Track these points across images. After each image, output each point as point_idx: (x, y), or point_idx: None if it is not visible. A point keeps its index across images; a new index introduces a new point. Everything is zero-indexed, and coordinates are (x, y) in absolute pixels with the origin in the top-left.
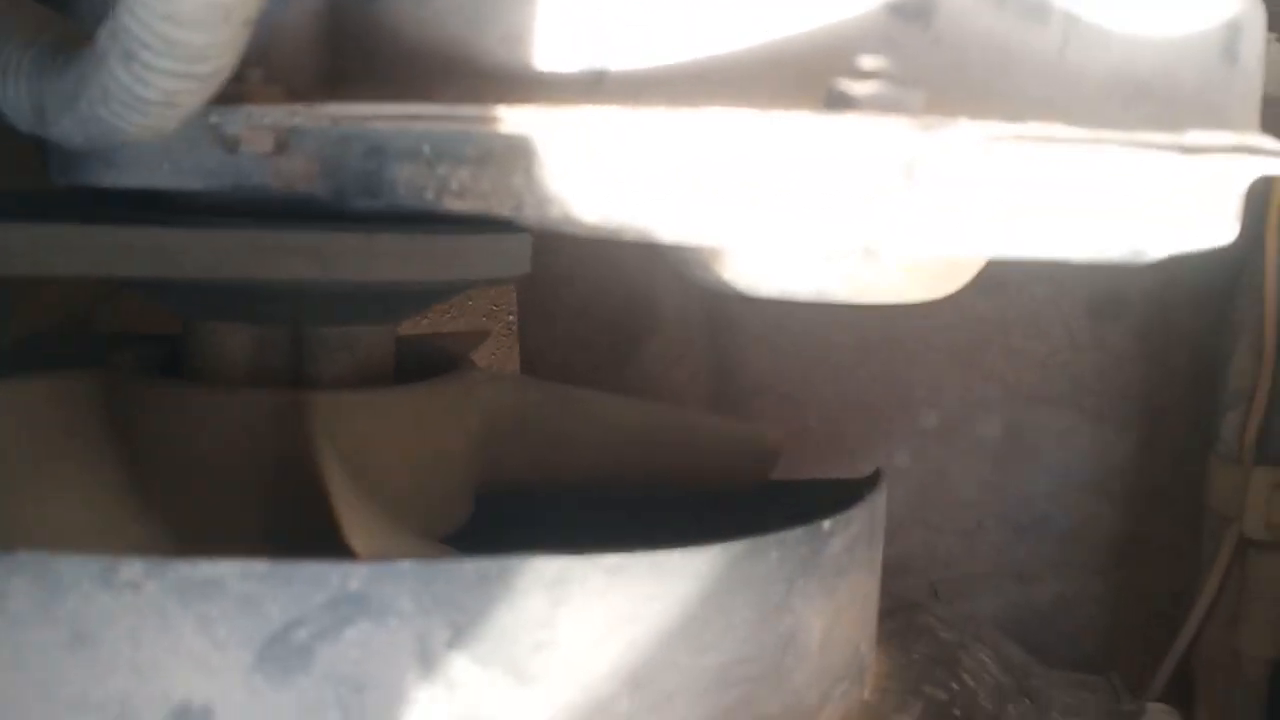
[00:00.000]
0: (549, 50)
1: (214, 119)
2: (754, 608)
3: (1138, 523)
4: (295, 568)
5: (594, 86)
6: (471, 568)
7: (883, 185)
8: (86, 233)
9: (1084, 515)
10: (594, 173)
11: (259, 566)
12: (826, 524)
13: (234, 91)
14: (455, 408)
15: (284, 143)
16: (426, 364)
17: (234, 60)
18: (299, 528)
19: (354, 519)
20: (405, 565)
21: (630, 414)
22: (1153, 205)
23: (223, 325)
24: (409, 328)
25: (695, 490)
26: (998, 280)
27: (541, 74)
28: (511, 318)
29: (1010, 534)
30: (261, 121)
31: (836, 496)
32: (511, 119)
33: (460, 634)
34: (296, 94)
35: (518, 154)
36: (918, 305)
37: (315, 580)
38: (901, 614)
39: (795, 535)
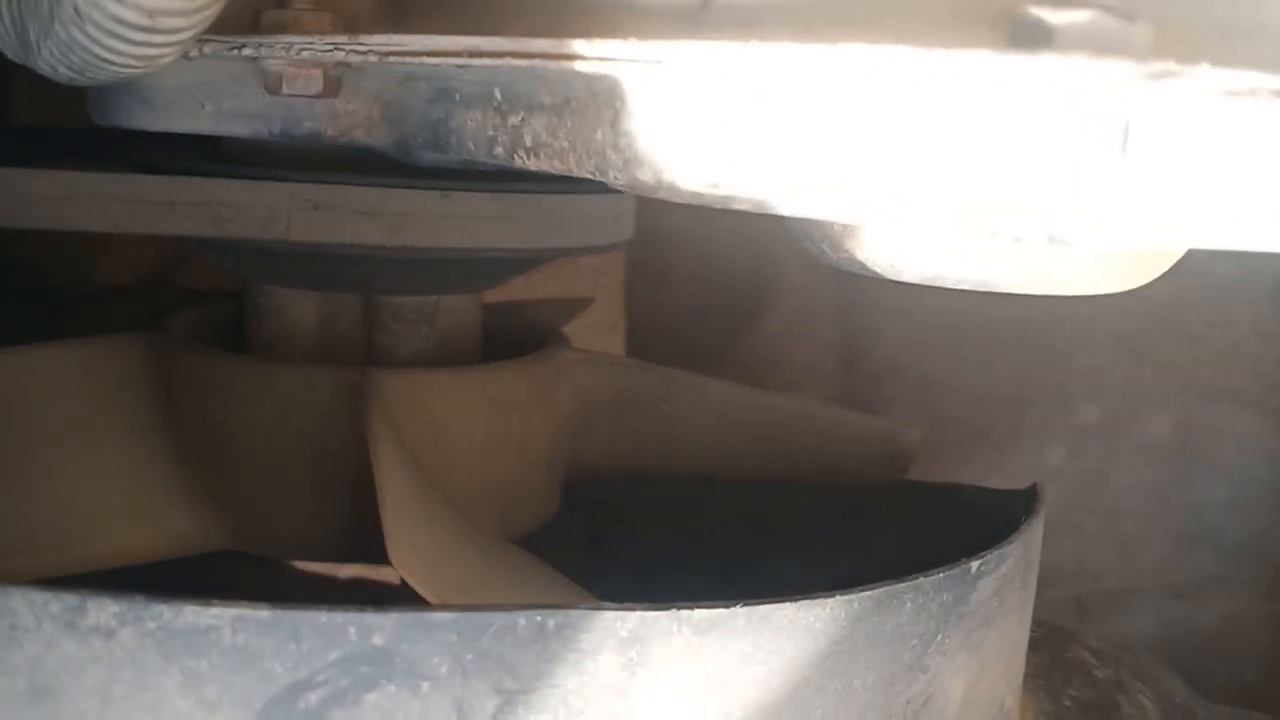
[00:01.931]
0: None
1: (250, 51)
2: (881, 669)
3: None
4: (304, 616)
5: (698, 14)
6: (525, 621)
7: (1088, 154)
8: (120, 183)
9: (1260, 529)
10: (696, 126)
11: (260, 613)
12: (974, 565)
13: (277, 20)
14: (542, 390)
15: (335, 82)
16: (516, 338)
17: None
18: (363, 528)
19: (400, 524)
20: (442, 616)
21: (745, 402)
22: None
23: (287, 290)
24: (498, 292)
25: (818, 489)
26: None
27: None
28: (623, 277)
29: (1174, 546)
30: (306, 55)
31: (984, 511)
32: (594, 56)
33: (510, 703)
34: (352, 24)
35: (601, 101)
36: None
37: (329, 632)
38: (1049, 645)
39: (935, 581)
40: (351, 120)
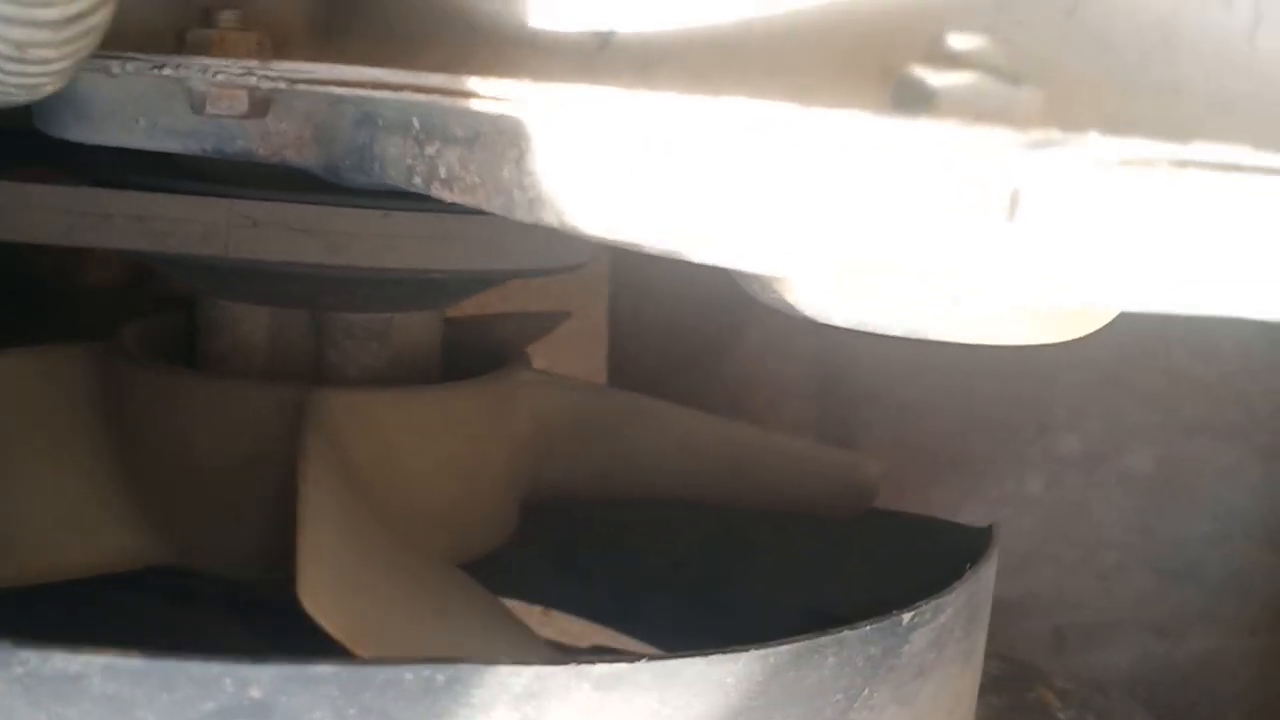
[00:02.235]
0: (548, 3)
1: (170, 71)
2: None
3: None
4: (178, 665)
5: (596, 55)
6: (412, 675)
7: (966, 219)
8: (55, 194)
9: (1243, 565)
10: (591, 172)
11: (132, 662)
12: (906, 617)
13: (201, 40)
14: (497, 411)
15: (263, 103)
16: (479, 356)
17: (98, 7)
18: None
19: (316, 557)
20: (323, 669)
21: (709, 430)
22: None
23: (239, 305)
24: (477, 304)
25: (778, 519)
26: None
27: (538, 32)
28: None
29: (1155, 580)
30: (227, 78)
31: (948, 545)
32: (498, 94)
33: None
34: (282, 43)
35: (507, 139)
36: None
37: (203, 682)
38: (1012, 686)
39: (862, 634)
40: (283, 140)
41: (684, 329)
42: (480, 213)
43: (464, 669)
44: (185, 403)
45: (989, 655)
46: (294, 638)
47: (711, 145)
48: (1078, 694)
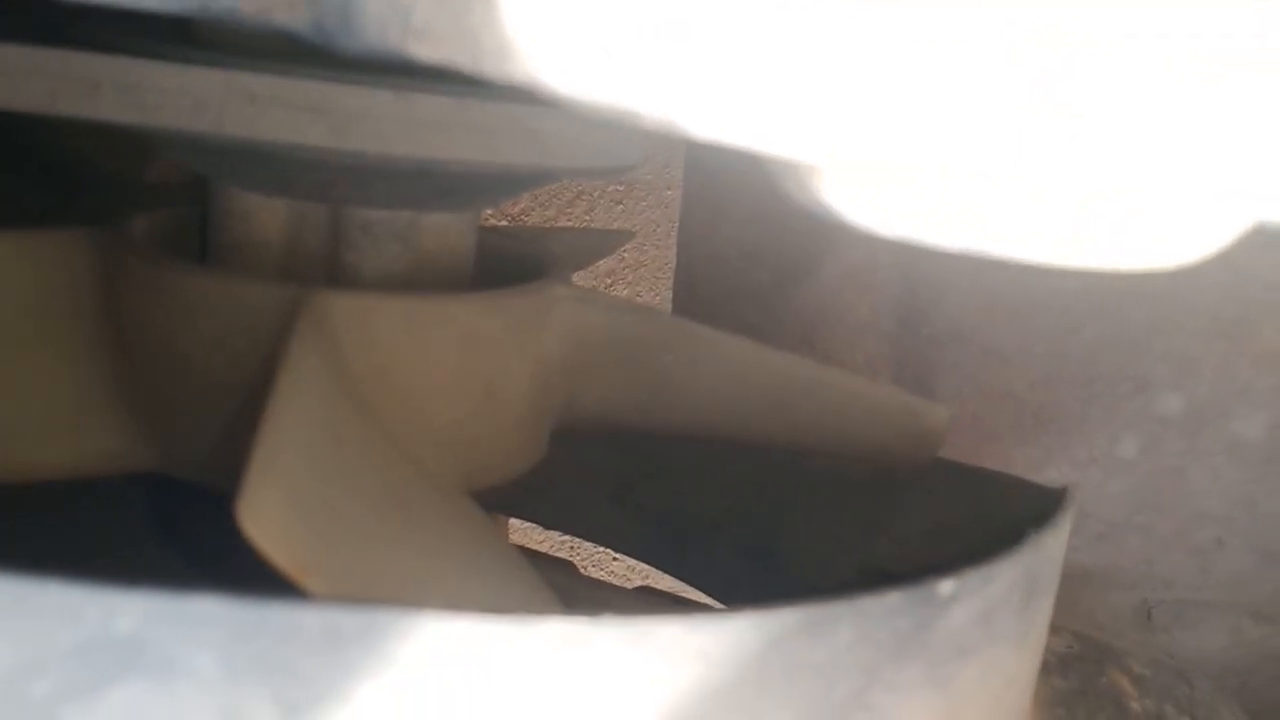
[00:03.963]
0: None
1: None
2: (801, 709)
3: None
4: (36, 589)
5: None
6: (316, 620)
7: (1028, 117)
8: (41, 57)
9: None
10: (570, 15)
11: None
12: (946, 585)
13: None
14: (521, 328)
15: None
16: (524, 269)
17: None
18: None
19: (266, 466)
20: (208, 605)
21: (759, 361)
22: None
23: (254, 195)
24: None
25: (836, 462)
26: None
27: None
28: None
29: (1257, 559)
30: None
31: (1018, 505)
32: None
33: (293, 714)
34: None
35: None
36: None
37: (64, 611)
38: (1083, 667)
39: (885, 605)
40: None
41: (757, 257)
42: (515, 100)
43: (379, 616)
44: (180, 297)
45: (1059, 630)
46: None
47: None
48: (1157, 680)
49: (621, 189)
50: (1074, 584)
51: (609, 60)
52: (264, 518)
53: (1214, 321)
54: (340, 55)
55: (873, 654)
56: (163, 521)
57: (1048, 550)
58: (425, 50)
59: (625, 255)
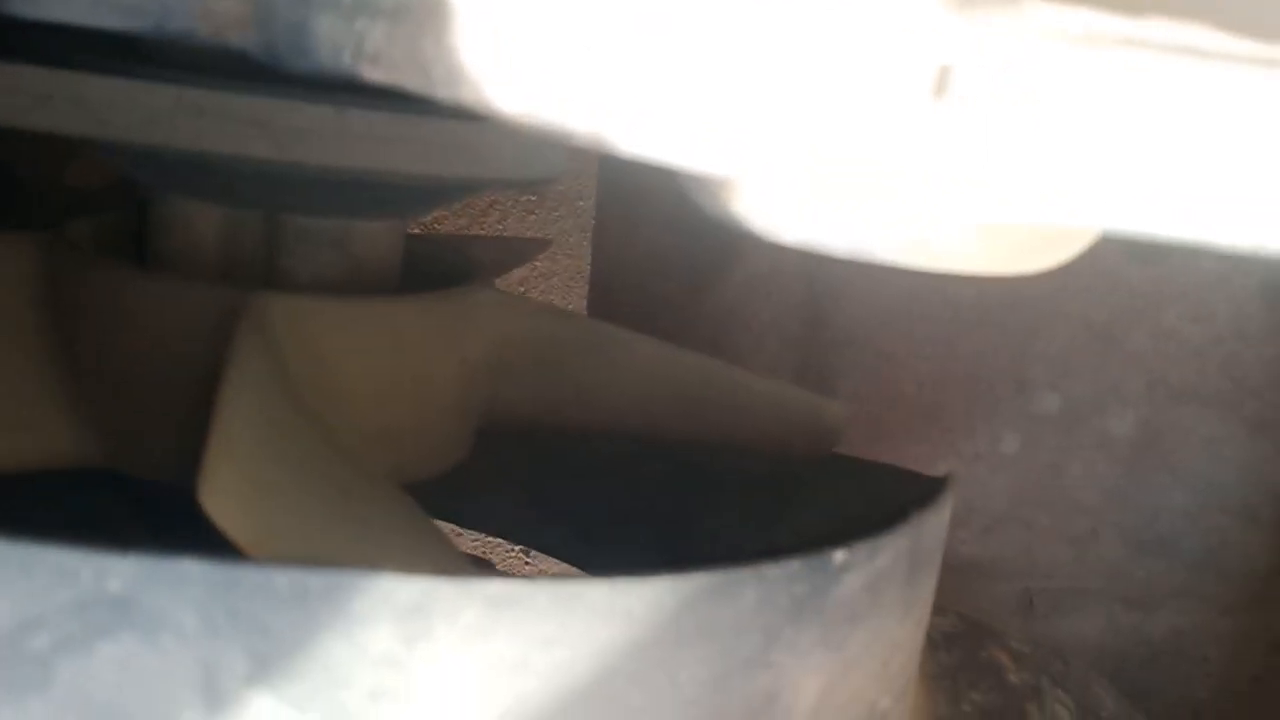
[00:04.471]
0: None
1: None
2: (713, 663)
3: None
4: (36, 552)
5: None
6: (285, 579)
7: (897, 101)
8: None
9: (1222, 540)
10: (513, 41)
11: None
12: (838, 555)
13: None
14: (448, 330)
15: None
16: (447, 275)
17: None
18: None
19: (223, 451)
20: (189, 566)
21: (671, 361)
22: None
23: (190, 202)
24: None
25: (741, 459)
26: (1156, 247)
27: None
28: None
29: (1129, 550)
30: None
31: (907, 494)
32: None
33: (265, 667)
34: None
35: (428, 9)
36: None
37: (61, 571)
38: (964, 643)
39: (786, 571)
40: (225, 19)
41: (669, 265)
42: (445, 116)
43: (343, 577)
44: (124, 300)
45: (944, 612)
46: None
47: (622, 15)
48: (1033, 657)
49: (534, 199)
50: (960, 575)
51: (547, 85)
52: (222, 498)
53: (1087, 326)
54: (288, 74)
55: (774, 616)
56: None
57: (929, 528)
58: (377, 74)
59: (538, 264)
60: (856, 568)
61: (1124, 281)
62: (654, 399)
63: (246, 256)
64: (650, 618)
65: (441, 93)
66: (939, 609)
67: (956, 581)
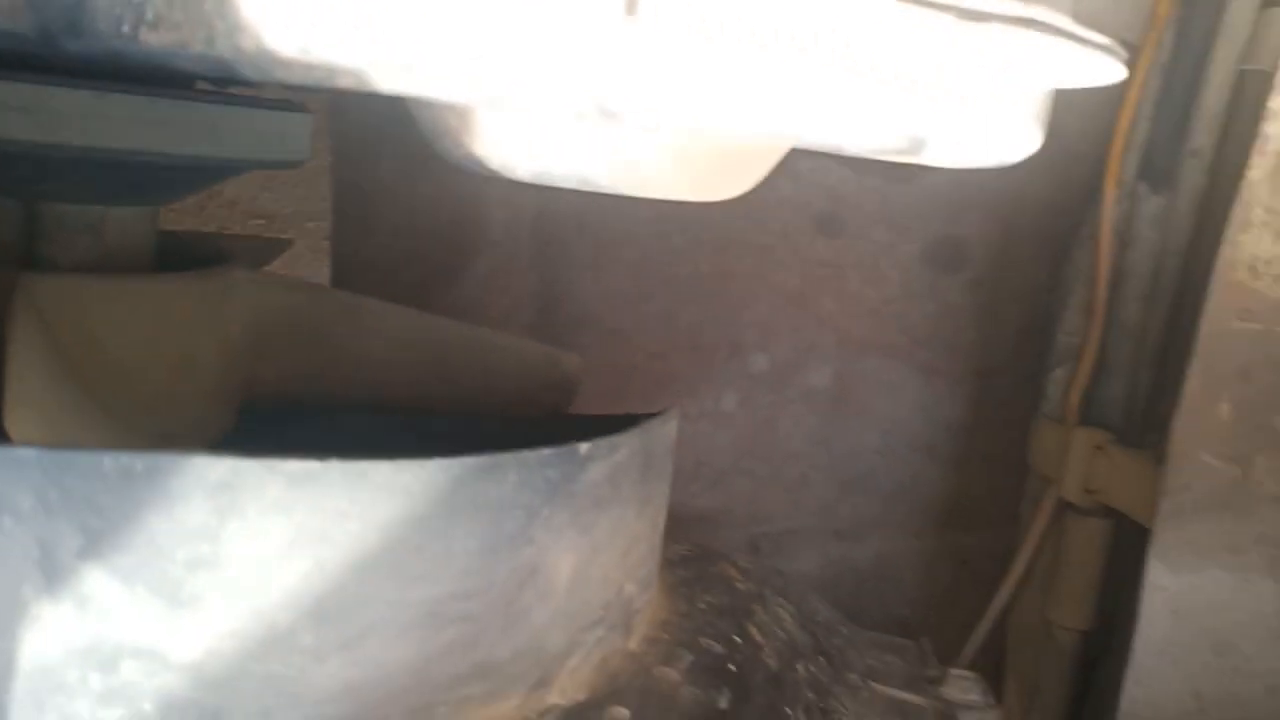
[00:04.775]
0: None
1: None
2: (482, 536)
3: (962, 483)
4: None
5: None
6: (111, 462)
7: (595, 20)
8: None
9: (909, 474)
10: None
11: None
12: (583, 447)
13: None
14: (209, 306)
15: None
16: (194, 260)
17: None
18: None
19: (20, 409)
20: (26, 452)
21: (418, 327)
22: (930, 78)
23: None
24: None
25: (491, 416)
26: (837, 221)
27: None
28: (325, 241)
29: (835, 490)
30: None
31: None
32: None
33: (95, 542)
34: None
35: None
36: (749, 245)
37: None
38: (697, 562)
39: (541, 457)
40: None
41: (403, 266)
42: (199, 99)
43: (162, 459)
44: None
45: (679, 541)
46: None
47: None
48: (756, 572)
49: (262, 222)
50: (694, 525)
51: (316, 28)
52: (23, 426)
53: (786, 294)
54: (64, 57)
55: (533, 496)
56: None
57: (658, 436)
58: (157, 38)
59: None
60: (599, 459)
61: (813, 253)
62: (407, 366)
63: (7, 244)
64: (427, 494)
65: (224, 48)
66: (674, 537)
67: (690, 533)
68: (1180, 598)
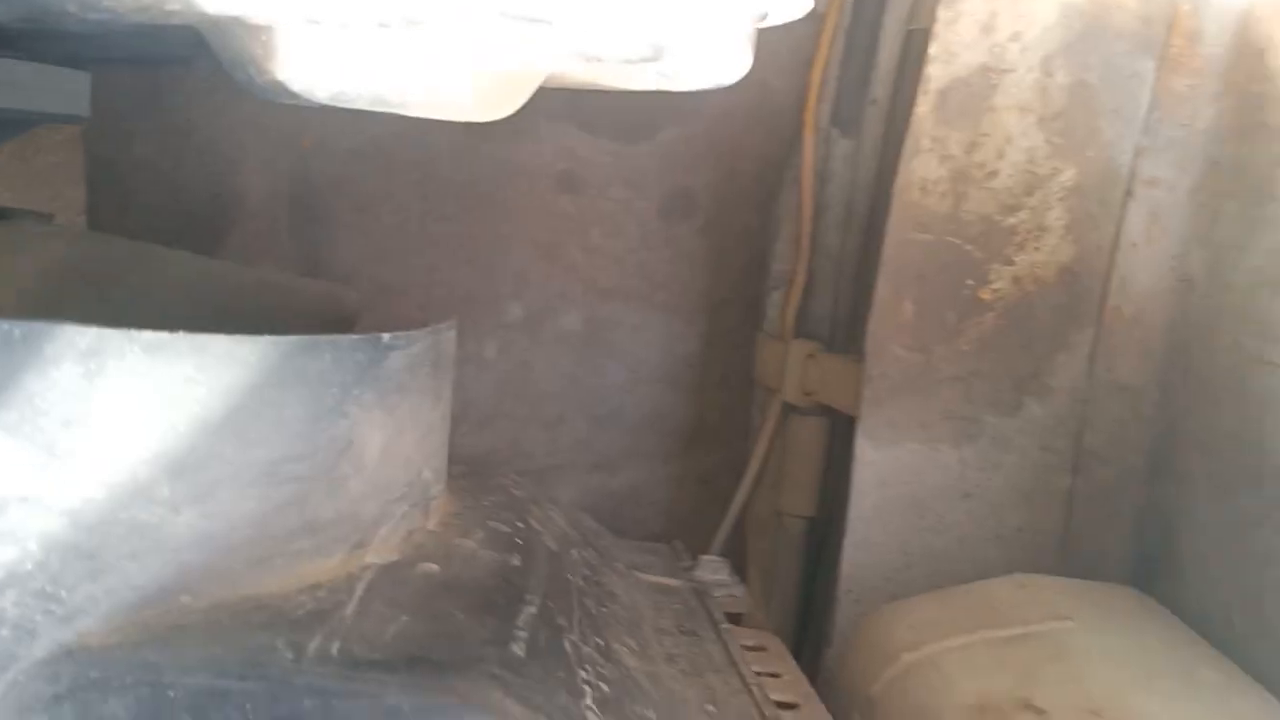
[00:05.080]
0: None
1: None
2: (307, 406)
3: (701, 410)
4: None
5: None
6: None
7: None
8: None
9: (655, 406)
10: None
11: None
12: (385, 337)
13: None
14: (1, 258)
15: None
16: None
17: None
18: None
19: None
20: None
21: (206, 271)
22: None
23: None
24: None
25: None
26: (578, 181)
27: None
28: (81, 218)
29: (590, 426)
30: None
31: None
32: None
33: None
34: None
35: None
36: (499, 205)
37: None
38: (477, 476)
39: (351, 341)
40: None
41: (165, 238)
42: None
43: (36, 326)
44: None
45: (462, 460)
46: None
47: None
48: (528, 485)
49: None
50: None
51: None
52: None
53: (535, 245)
54: None
55: (345, 375)
56: None
57: (444, 340)
58: None
59: None
60: (399, 349)
61: (558, 210)
62: (198, 304)
63: None
64: (260, 364)
65: None
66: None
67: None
68: (884, 469)
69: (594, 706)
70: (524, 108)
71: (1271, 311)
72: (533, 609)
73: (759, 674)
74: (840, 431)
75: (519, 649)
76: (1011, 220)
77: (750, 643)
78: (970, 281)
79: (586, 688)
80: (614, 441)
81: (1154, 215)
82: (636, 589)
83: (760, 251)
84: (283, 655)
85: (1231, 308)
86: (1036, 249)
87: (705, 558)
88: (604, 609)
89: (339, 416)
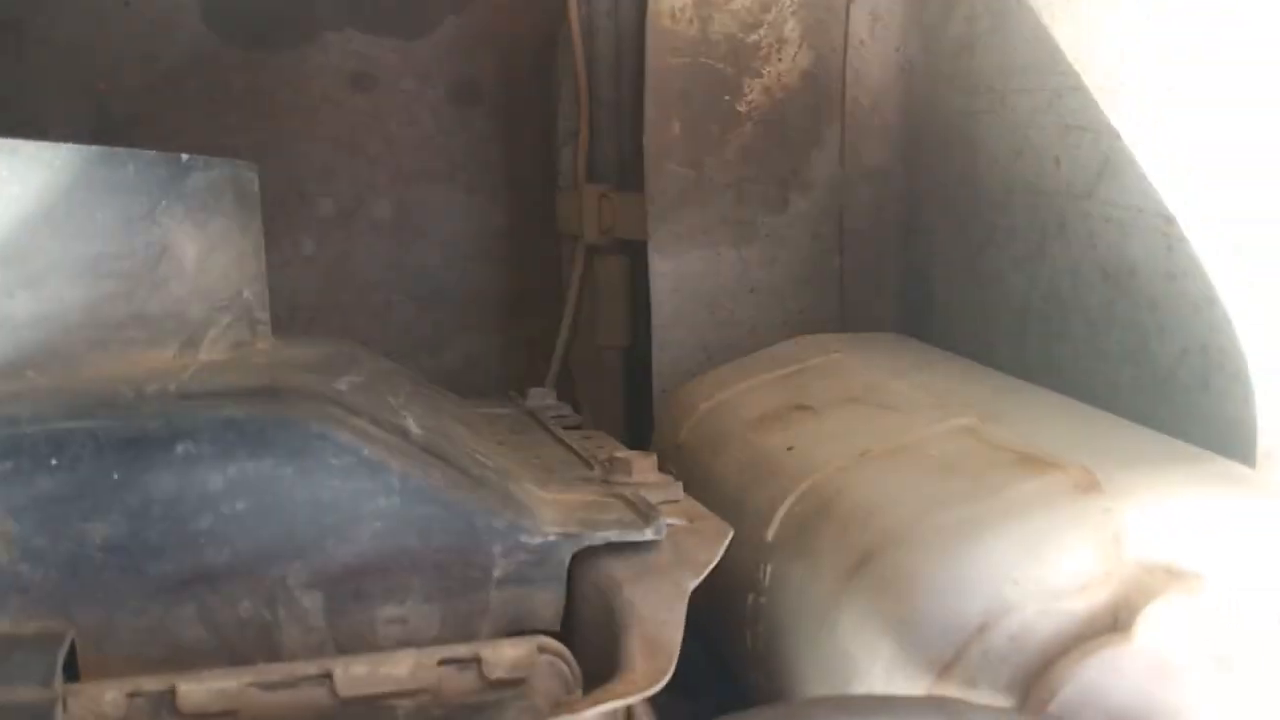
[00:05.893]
0: None
1: None
2: (119, 211)
3: (519, 278)
4: None
5: None
6: None
7: None
8: None
9: (474, 281)
10: None
11: None
12: (184, 156)
13: None
14: None
15: None
16: None
17: None
18: None
19: None
20: None
21: None
22: None
23: None
24: None
25: None
26: (369, 79)
27: None
28: None
29: (416, 307)
30: None
31: None
32: None
33: None
34: None
35: None
36: (297, 110)
37: None
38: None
39: (151, 156)
40: None
41: None
42: None
43: None
44: None
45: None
46: None
47: None
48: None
49: None
50: None
51: None
52: None
53: (337, 143)
54: None
55: (152, 187)
56: None
57: (244, 174)
58: None
59: None
60: (198, 170)
61: (354, 107)
62: None
63: None
64: (68, 169)
65: None
66: None
67: None
68: (677, 276)
69: (416, 429)
70: (307, 18)
71: (970, 70)
72: (359, 378)
73: (585, 442)
74: (641, 266)
75: (344, 387)
76: (754, 37)
77: (579, 434)
78: (726, 96)
79: (410, 424)
80: (441, 319)
81: (875, 14)
82: (469, 411)
83: (551, 128)
84: (124, 395)
85: (942, 75)
86: (779, 59)
87: (533, 389)
88: (435, 404)
89: (151, 223)
